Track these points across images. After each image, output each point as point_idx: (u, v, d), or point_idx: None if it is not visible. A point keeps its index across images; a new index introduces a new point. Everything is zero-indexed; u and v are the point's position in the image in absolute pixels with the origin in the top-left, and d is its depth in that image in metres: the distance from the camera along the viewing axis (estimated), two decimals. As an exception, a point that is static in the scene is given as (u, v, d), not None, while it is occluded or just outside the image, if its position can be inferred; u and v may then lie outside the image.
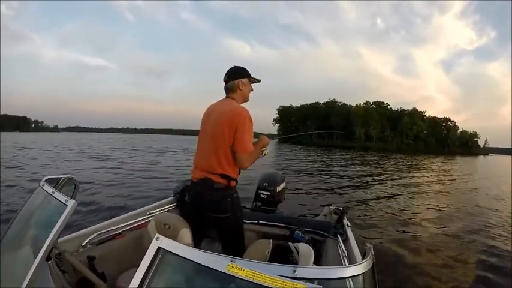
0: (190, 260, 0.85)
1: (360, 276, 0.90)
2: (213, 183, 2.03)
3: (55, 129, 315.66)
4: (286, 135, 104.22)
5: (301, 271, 0.81)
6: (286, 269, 0.81)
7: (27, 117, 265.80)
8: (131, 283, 0.86)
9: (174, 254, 0.88)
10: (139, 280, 0.85)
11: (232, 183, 2.07)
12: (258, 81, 2.28)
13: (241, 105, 2.20)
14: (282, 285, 0.74)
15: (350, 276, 0.87)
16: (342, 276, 0.86)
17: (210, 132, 2.08)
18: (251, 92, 2.27)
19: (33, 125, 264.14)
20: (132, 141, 50.83)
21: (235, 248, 2.14)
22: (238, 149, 1.99)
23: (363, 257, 1.02)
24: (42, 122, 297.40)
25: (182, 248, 0.89)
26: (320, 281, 0.82)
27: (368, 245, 1.10)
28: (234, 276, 0.80)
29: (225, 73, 2.20)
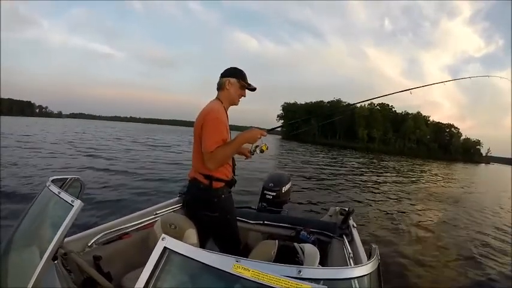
0: (196, 260, 0.86)
1: (366, 277, 0.90)
2: (199, 183, 2.08)
3: (59, 115, 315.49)
4: (290, 131, 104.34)
5: (307, 271, 0.81)
6: (292, 270, 0.81)
7: (32, 102, 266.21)
8: (137, 283, 0.86)
9: (180, 254, 0.89)
10: (145, 280, 0.87)
11: (216, 184, 2.07)
12: (252, 89, 2.23)
13: (230, 107, 2.21)
14: (287, 286, 0.75)
15: (355, 277, 0.87)
16: (347, 277, 0.86)
17: (194, 133, 2.11)
18: (243, 97, 2.22)
19: (37, 110, 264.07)
20: (137, 131, 50.56)
21: (229, 247, 2.17)
22: (202, 147, 1.98)
23: (369, 258, 1.02)
24: (46, 107, 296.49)
25: (188, 248, 0.89)
26: (325, 281, 0.82)
27: (373, 245, 1.09)
28: (239, 276, 0.80)
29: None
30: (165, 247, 0.90)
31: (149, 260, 0.90)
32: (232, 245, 2.21)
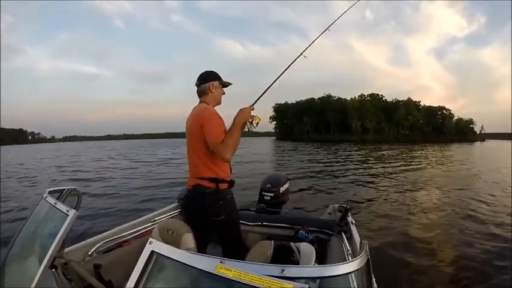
0: (182, 263, 0.89)
1: (353, 273, 0.90)
2: (204, 189, 2.10)
3: (52, 140, 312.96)
4: (282, 132, 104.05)
5: (290, 270, 0.81)
6: (275, 269, 0.81)
7: (24, 129, 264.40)
8: (126, 286, 0.90)
9: (167, 257, 0.93)
10: (134, 283, 0.90)
11: (222, 185, 2.11)
12: (229, 84, 2.33)
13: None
14: (269, 285, 0.76)
15: (341, 275, 0.87)
16: (331, 274, 0.86)
17: (190, 138, 2.15)
18: (223, 95, 2.32)
19: (29, 137, 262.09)
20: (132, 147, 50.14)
21: (234, 249, 2.20)
22: (209, 143, 2.00)
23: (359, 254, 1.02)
24: (38, 133, 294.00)
25: (174, 251, 0.93)
26: (308, 279, 0.83)
27: (363, 241, 1.08)
28: (222, 277, 0.82)
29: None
30: (152, 251, 0.94)
31: (137, 263, 0.93)
32: (236, 246, 2.23)
